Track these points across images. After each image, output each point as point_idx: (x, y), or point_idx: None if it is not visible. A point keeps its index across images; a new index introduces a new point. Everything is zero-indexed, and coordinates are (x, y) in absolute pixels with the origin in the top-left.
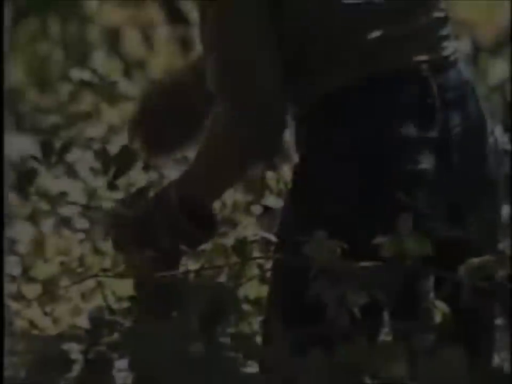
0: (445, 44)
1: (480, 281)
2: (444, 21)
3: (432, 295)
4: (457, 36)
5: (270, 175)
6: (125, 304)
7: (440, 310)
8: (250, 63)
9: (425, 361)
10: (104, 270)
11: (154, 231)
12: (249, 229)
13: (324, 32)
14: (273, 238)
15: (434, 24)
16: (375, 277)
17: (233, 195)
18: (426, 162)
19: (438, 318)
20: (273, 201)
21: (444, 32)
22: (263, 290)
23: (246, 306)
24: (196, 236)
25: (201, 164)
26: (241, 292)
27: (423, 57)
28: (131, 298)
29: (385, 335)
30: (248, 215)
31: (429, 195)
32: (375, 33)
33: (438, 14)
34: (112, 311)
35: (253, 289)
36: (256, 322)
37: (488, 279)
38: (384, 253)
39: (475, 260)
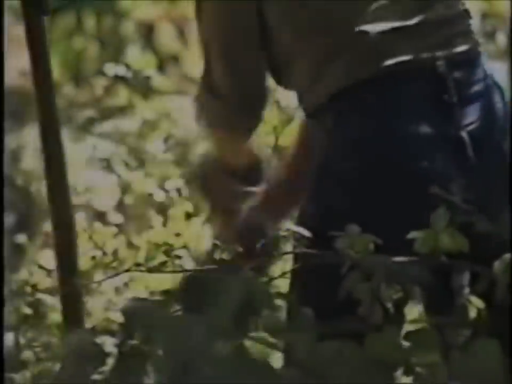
0: (464, 38)
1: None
2: (464, 15)
3: (467, 290)
4: (494, 29)
5: None
6: (158, 298)
7: (474, 305)
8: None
9: (459, 356)
10: (138, 265)
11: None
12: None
13: (335, 25)
14: (305, 232)
15: (453, 19)
16: (408, 271)
17: None
18: (443, 159)
19: (472, 314)
20: None
21: (463, 26)
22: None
23: (278, 301)
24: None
25: None
26: (274, 287)
27: (439, 53)
28: (164, 292)
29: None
30: None
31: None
32: (389, 28)
33: (457, 8)
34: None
35: (285, 284)
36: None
37: None
38: (419, 248)
39: (510, 256)
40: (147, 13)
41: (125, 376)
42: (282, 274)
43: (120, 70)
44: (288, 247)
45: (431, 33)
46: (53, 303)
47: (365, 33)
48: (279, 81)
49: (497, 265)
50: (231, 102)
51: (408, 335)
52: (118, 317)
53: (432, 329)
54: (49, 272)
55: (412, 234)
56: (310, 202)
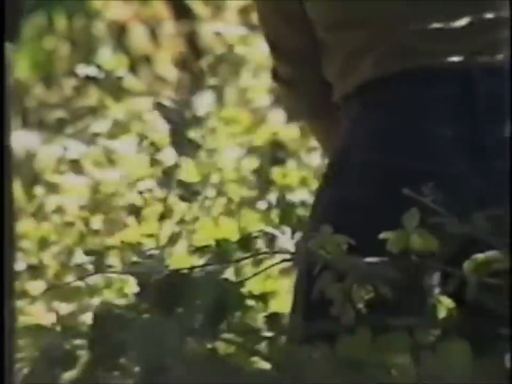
0: (502, 47)
1: (485, 276)
2: (505, 22)
3: (437, 290)
4: None
5: (275, 169)
6: (130, 300)
7: (445, 305)
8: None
9: (428, 356)
10: (110, 267)
11: None
12: (254, 224)
13: (371, 18)
14: (277, 233)
15: (495, 25)
16: (380, 272)
17: (238, 190)
18: (461, 162)
19: (442, 314)
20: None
21: (503, 34)
22: (268, 286)
23: (250, 302)
24: None
25: None
26: (246, 288)
27: (475, 58)
28: (136, 294)
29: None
30: (253, 211)
31: (452, 194)
32: (428, 26)
33: (500, 15)
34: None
35: (258, 285)
36: (260, 318)
37: (494, 274)
38: (390, 248)
39: (480, 256)
40: (118, 13)
41: (95, 379)
42: (254, 275)
43: (92, 71)
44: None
45: (471, 37)
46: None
47: (402, 28)
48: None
49: (467, 265)
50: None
51: (379, 336)
52: (89, 320)
53: (403, 330)
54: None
55: (384, 235)
56: (328, 189)
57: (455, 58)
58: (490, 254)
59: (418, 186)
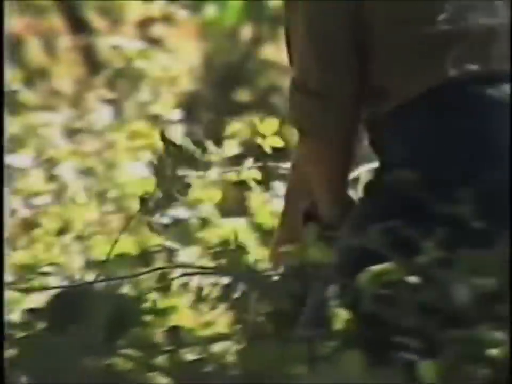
0: None
1: (380, 287)
2: None
3: (334, 302)
4: None
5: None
6: (25, 318)
7: (341, 317)
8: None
9: (325, 367)
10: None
11: None
12: (153, 239)
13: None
14: (176, 247)
15: None
16: (281, 285)
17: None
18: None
19: (339, 325)
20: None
21: None
22: (168, 301)
23: (149, 317)
24: None
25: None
26: (146, 303)
27: None
28: (31, 311)
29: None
30: (153, 226)
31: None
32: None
33: None
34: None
35: (158, 300)
36: (160, 333)
37: (390, 285)
38: (290, 261)
39: (375, 267)
40: (13, 25)
41: None
42: (155, 289)
43: None
44: (160, 262)
45: None
46: None
47: (475, 29)
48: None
49: (361, 277)
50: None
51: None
52: None
53: (302, 341)
54: None
55: (284, 248)
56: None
57: None
58: (384, 266)
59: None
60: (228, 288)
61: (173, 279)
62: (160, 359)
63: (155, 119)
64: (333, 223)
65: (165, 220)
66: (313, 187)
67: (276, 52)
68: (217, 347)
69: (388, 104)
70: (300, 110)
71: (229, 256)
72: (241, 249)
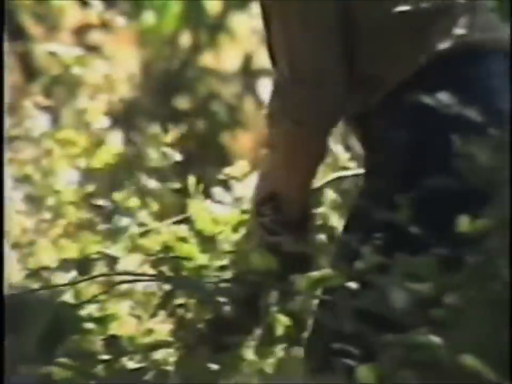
0: None
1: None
2: None
3: (274, 308)
4: None
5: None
6: None
7: (281, 322)
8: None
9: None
10: None
11: None
12: (92, 246)
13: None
14: (116, 254)
15: None
16: (219, 291)
17: (76, 213)
18: None
19: (279, 331)
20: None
21: None
22: (107, 308)
23: (88, 325)
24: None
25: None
26: (84, 311)
27: None
28: None
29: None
30: (92, 233)
31: None
32: None
33: None
34: None
35: (97, 308)
36: (99, 341)
37: (330, 291)
38: (232, 267)
39: (315, 273)
40: None
41: None
42: (93, 297)
43: None
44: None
45: None
46: None
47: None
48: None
49: (300, 283)
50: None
51: (216, 357)
52: None
53: (241, 347)
54: None
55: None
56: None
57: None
58: (323, 272)
59: None
60: (168, 295)
61: (112, 285)
62: (99, 368)
63: (89, 127)
64: (293, 219)
65: (106, 227)
66: (287, 180)
67: (215, 59)
68: (158, 355)
69: (378, 93)
70: (293, 101)
71: (169, 263)
72: (181, 256)
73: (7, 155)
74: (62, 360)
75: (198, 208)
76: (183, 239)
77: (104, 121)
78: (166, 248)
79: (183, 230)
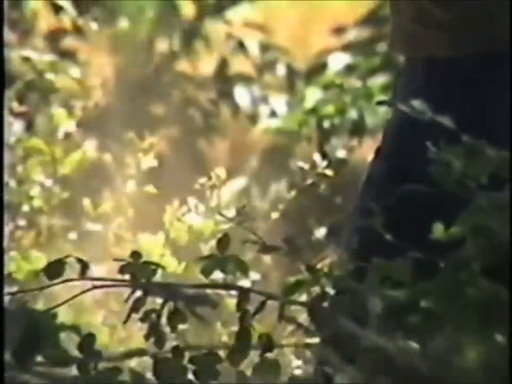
0: None
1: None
2: None
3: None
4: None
5: (86, 201)
6: None
7: (256, 329)
8: None
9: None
10: None
11: None
12: (63, 251)
13: None
14: (87, 260)
15: None
16: (200, 296)
17: (50, 219)
18: None
19: (255, 338)
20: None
21: None
22: (80, 316)
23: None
24: None
25: None
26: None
27: None
28: None
29: None
30: (63, 239)
31: None
32: None
33: None
34: None
35: (70, 315)
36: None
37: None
38: (206, 274)
39: (291, 278)
40: None
41: None
42: (64, 302)
43: None
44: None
45: None
46: None
47: None
48: None
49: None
50: None
51: (192, 359)
52: None
53: (217, 353)
54: None
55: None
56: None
57: None
58: (300, 276)
59: None
60: (140, 301)
61: (83, 292)
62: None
63: (63, 133)
64: None
65: (78, 234)
66: None
67: (190, 64)
68: (132, 362)
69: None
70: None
71: (142, 269)
72: (154, 262)
73: (7, 155)
74: (39, 368)
75: (172, 216)
76: (157, 247)
77: (78, 128)
78: (138, 255)
79: (157, 237)
